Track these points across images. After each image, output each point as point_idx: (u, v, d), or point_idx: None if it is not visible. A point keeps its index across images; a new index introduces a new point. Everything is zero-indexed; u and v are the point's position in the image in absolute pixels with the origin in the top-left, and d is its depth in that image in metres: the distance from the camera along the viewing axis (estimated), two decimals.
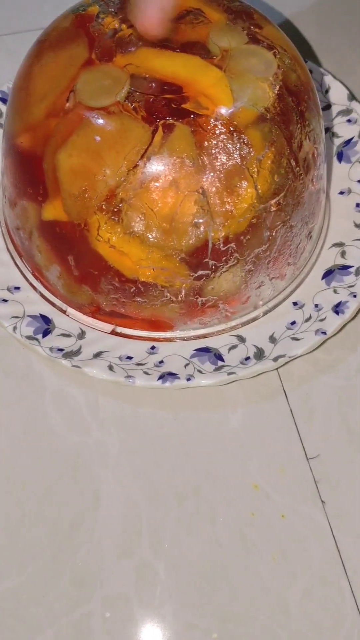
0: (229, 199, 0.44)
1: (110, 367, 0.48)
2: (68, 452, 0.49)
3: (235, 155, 0.44)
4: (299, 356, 0.50)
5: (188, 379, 0.48)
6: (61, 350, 0.49)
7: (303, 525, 0.47)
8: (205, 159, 0.43)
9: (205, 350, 0.50)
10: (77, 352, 0.49)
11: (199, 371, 0.49)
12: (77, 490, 0.48)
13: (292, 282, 0.52)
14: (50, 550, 0.46)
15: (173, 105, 0.42)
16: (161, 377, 0.48)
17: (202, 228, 0.45)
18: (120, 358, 0.49)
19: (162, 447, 0.49)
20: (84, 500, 0.47)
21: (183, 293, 0.48)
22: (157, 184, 0.43)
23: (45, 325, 0.51)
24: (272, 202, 0.46)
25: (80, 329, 0.51)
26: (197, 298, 0.49)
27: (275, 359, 0.49)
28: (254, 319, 0.51)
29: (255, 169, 0.44)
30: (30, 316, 0.51)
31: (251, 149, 0.44)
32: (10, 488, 0.48)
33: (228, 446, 0.49)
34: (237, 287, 0.49)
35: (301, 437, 0.50)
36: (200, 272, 0.47)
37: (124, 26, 0.45)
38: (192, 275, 0.47)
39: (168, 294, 0.48)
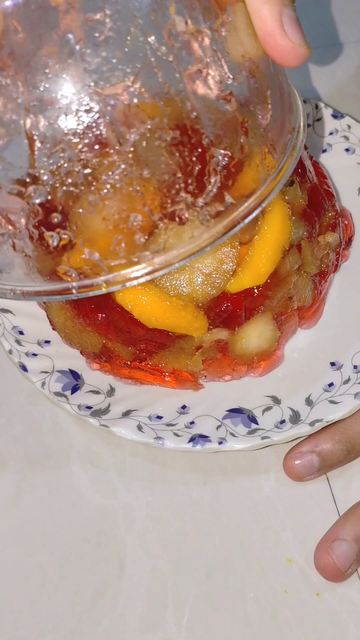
0: None
1: (140, 427, 0.47)
2: (93, 515, 0.47)
3: None
4: (336, 421, 0.48)
5: (220, 443, 0.46)
6: (89, 407, 0.48)
7: (339, 606, 0.43)
8: None
9: (238, 411, 0.48)
10: (106, 411, 0.48)
11: (232, 434, 0.47)
12: (101, 556, 0.46)
13: None
14: (71, 620, 0.44)
15: None
16: (192, 439, 0.46)
17: None
18: (149, 417, 0.48)
19: (191, 513, 0.47)
20: (107, 567, 0.45)
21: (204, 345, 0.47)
22: None
23: (74, 381, 0.49)
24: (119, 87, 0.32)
25: (110, 385, 0.50)
26: (217, 352, 0.47)
27: (311, 424, 0.47)
28: None
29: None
30: (59, 371, 0.50)
31: None
32: (31, 551, 0.46)
33: (260, 515, 0.47)
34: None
35: (338, 508, 0.47)
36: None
37: None
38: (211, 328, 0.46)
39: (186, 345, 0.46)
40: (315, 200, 0.51)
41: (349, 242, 0.55)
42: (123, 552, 0.46)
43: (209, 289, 0.46)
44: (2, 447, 0.49)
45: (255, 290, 0.47)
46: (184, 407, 0.49)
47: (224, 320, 0.47)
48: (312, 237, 0.50)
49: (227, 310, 0.47)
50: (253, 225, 0.46)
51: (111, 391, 0.49)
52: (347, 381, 0.49)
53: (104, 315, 0.47)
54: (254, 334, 0.48)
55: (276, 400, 0.49)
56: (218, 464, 0.48)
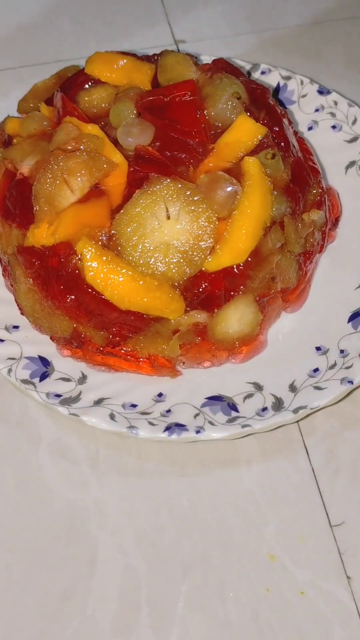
0: None
1: (112, 416, 0.44)
2: (62, 510, 0.44)
3: None
4: (322, 408, 0.45)
5: (197, 432, 0.43)
6: (59, 396, 0.45)
7: (325, 605, 0.41)
8: None
9: (217, 398, 0.46)
10: (76, 399, 0.45)
11: (210, 422, 0.44)
12: (70, 554, 0.43)
13: None
14: (38, 622, 0.41)
15: None
16: (167, 428, 0.43)
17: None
18: (123, 406, 0.45)
19: (167, 508, 0.44)
20: (77, 566, 0.42)
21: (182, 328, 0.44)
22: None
23: (43, 368, 0.46)
24: None
25: (82, 372, 0.47)
26: (196, 336, 0.44)
27: (295, 411, 0.44)
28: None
29: None
30: (27, 358, 0.47)
31: None
32: None
33: (241, 509, 0.44)
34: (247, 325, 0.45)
35: (324, 501, 0.44)
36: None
37: None
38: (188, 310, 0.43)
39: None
40: (299, 176, 0.48)
41: (335, 222, 0.53)
42: (94, 549, 0.43)
43: (186, 267, 0.43)
44: None
45: (235, 270, 0.44)
46: (160, 394, 0.46)
47: (202, 302, 0.44)
48: (295, 214, 0.47)
49: (205, 290, 0.44)
50: (232, 199, 0.44)
51: (83, 379, 0.46)
52: (333, 366, 0.46)
53: (73, 297, 0.44)
54: (235, 317, 0.45)
55: (258, 387, 0.46)
56: (196, 455, 0.46)
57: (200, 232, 0.43)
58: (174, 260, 0.43)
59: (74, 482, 0.45)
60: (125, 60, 0.49)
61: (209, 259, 0.43)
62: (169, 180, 0.43)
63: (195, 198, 0.43)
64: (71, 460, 0.46)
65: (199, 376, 0.47)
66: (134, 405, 0.45)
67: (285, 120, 0.50)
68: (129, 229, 0.43)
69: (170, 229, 0.43)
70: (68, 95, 0.48)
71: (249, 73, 0.59)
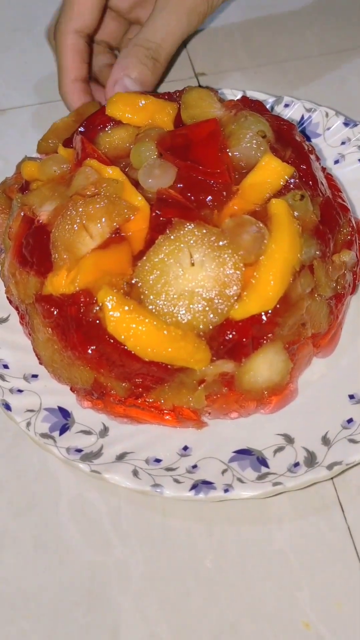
0: None
1: (135, 473, 0.42)
2: (83, 573, 0.42)
3: None
4: (358, 463, 0.42)
5: (226, 490, 0.41)
6: (79, 451, 0.43)
7: None
8: None
9: (246, 452, 0.43)
10: (98, 454, 0.43)
11: (239, 480, 0.41)
12: (92, 622, 0.40)
13: None
14: None
15: None
16: (194, 486, 0.41)
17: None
18: (147, 461, 0.43)
19: (194, 571, 0.41)
20: (99, 635, 0.40)
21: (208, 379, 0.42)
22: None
23: (63, 420, 0.44)
24: None
25: (103, 424, 0.45)
26: (223, 386, 0.43)
27: (329, 467, 0.41)
28: None
29: None
30: (47, 409, 0.45)
31: None
32: (12, 616, 0.41)
33: (272, 571, 0.41)
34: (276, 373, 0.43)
35: None
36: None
37: None
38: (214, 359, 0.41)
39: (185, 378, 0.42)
40: (328, 216, 0.46)
41: None
42: (117, 617, 0.40)
43: (211, 315, 0.41)
44: None
45: (264, 317, 0.42)
46: (185, 448, 0.44)
47: (229, 351, 0.42)
48: (325, 256, 0.45)
49: (232, 339, 0.42)
50: (259, 244, 0.42)
51: (104, 431, 0.44)
52: None
53: (94, 347, 0.42)
54: (264, 366, 0.43)
55: (289, 440, 0.44)
56: (224, 513, 0.43)
57: (226, 279, 0.41)
58: (199, 308, 0.41)
59: (95, 541, 0.43)
60: (147, 100, 0.48)
61: (236, 307, 0.41)
62: (192, 226, 0.41)
63: (221, 243, 0.41)
64: (92, 518, 0.43)
65: (225, 427, 0.45)
66: (158, 460, 0.43)
67: (312, 157, 0.48)
68: (151, 277, 0.41)
69: (194, 276, 0.41)
70: (88, 136, 0.47)
71: (271, 107, 0.58)
